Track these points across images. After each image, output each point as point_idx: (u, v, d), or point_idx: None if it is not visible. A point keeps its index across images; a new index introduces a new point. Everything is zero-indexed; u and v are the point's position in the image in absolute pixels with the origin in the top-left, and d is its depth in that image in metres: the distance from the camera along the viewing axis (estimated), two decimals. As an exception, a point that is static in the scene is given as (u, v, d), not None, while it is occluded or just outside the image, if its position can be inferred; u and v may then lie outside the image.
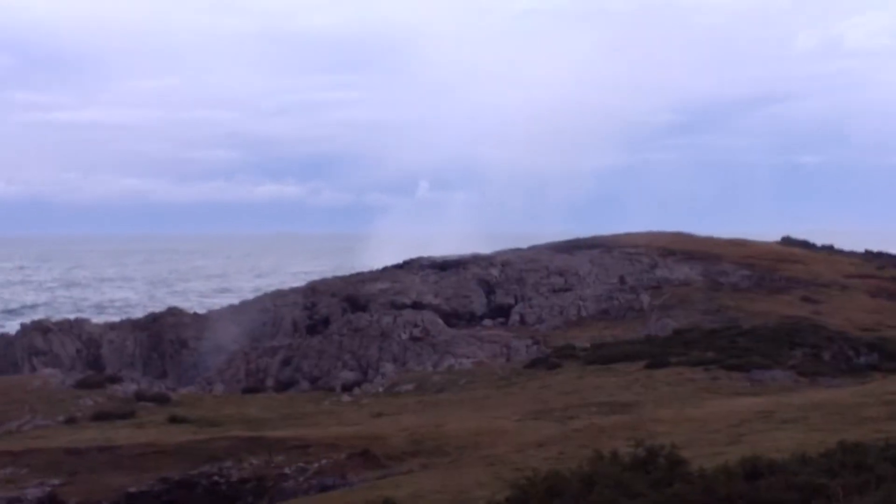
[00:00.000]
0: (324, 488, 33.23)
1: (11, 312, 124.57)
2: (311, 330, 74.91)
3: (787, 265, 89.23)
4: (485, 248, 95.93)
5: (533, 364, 56.95)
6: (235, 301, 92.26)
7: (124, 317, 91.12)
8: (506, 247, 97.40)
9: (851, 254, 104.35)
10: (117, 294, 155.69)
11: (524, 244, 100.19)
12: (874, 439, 20.77)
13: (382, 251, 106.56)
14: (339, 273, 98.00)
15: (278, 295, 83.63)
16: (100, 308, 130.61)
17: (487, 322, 76.28)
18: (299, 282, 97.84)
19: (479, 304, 79.39)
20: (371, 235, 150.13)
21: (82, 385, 52.71)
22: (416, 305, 75.75)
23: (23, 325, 78.19)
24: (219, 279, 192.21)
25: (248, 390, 61.30)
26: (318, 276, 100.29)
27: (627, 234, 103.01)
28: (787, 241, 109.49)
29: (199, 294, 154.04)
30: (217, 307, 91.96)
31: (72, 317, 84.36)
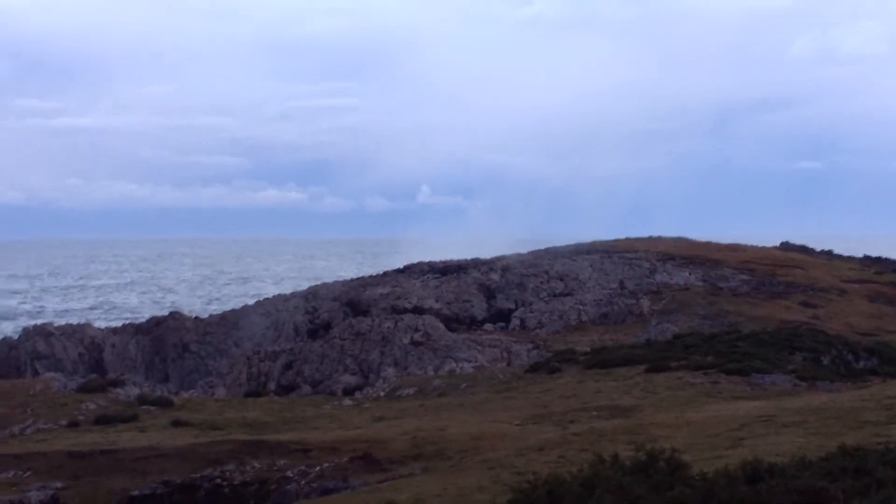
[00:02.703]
0: (325, 492, 33.35)
1: (11, 318, 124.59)
2: (313, 334, 75.08)
3: (787, 270, 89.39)
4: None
5: (533, 368, 57.05)
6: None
7: (126, 321, 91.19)
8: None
9: (850, 259, 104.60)
10: (118, 298, 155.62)
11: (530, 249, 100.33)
12: (874, 443, 20.93)
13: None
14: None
15: (280, 299, 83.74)
16: (101, 312, 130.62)
17: (488, 326, 76.42)
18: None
19: (479, 308, 79.52)
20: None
21: (85, 389, 52.81)
22: (417, 310, 75.87)
23: (25, 330, 78.35)
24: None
25: (250, 394, 61.41)
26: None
27: (627, 239, 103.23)
28: (786, 247, 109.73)
29: (208, 299, 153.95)
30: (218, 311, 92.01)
31: (74, 321, 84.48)
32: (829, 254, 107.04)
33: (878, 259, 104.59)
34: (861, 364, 55.22)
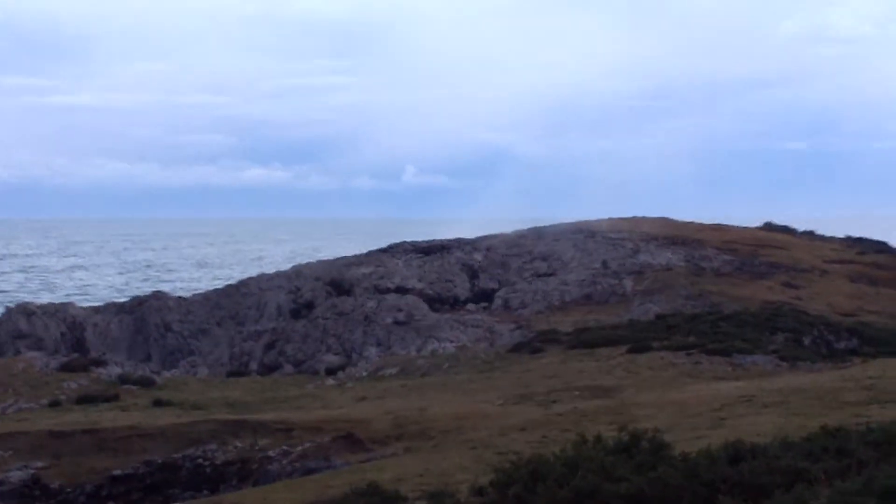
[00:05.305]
0: (308, 471, 33.36)
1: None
2: (296, 314, 74.95)
3: (769, 250, 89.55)
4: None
5: (516, 348, 57.13)
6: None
7: (109, 301, 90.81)
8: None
9: (832, 239, 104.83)
10: (102, 280, 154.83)
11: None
12: (855, 424, 20.99)
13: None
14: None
15: (263, 279, 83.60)
16: (84, 292, 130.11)
17: (471, 306, 76.40)
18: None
19: (462, 288, 79.51)
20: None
21: (66, 368, 52.65)
22: (400, 290, 75.82)
23: (7, 308, 77.98)
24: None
25: (233, 374, 61.36)
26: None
27: (610, 220, 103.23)
28: (769, 227, 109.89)
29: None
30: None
31: (56, 300, 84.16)
32: (811, 234, 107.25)
33: (860, 239, 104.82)
34: (842, 344, 55.45)
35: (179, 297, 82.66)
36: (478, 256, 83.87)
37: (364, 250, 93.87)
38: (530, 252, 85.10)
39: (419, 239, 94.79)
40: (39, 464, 34.93)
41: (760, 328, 55.46)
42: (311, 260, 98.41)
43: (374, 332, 66.23)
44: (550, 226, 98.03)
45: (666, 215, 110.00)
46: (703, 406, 32.82)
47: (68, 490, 33.95)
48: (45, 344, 69.70)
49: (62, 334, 72.59)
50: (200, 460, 35.57)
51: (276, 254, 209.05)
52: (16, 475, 34.14)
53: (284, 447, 35.66)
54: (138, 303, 78.67)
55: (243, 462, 35.29)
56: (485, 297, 78.32)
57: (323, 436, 35.92)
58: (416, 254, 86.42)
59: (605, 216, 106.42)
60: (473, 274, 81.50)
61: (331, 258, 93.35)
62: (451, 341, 63.03)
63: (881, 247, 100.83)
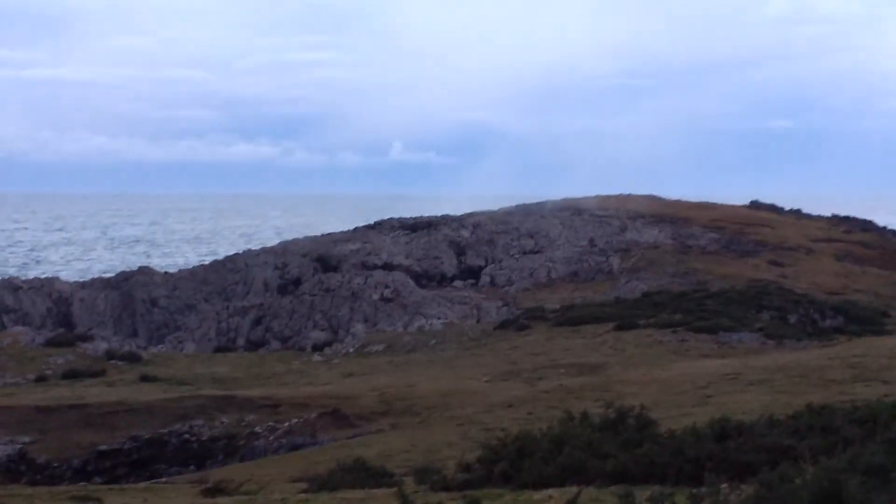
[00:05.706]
0: (294, 447, 33.41)
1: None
2: (283, 290, 74.89)
3: (756, 229, 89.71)
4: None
5: (502, 325, 57.21)
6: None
7: (96, 276, 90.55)
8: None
9: (818, 218, 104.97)
10: (89, 254, 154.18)
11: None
12: (840, 401, 21.08)
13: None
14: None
15: (250, 254, 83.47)
16: (70, 267, 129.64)
17: (458, 283, 76.44)
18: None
19: (449, 265, 79.51)
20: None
21: (53, 343, 52.57)
22: (387, 266, 75.79)
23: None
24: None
25: (220, 349, 61.33)
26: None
27: (598, 197, 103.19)
28: (756, 205, 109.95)
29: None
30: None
31: (42, 275, 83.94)
32: (797, 213, 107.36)
33: (846, 218, 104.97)
34: (827, 322, 55.65)
35: (166, 273, 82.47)
36: (465, 233, 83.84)
37: (351, 226, 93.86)
38: (517, 229, 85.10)
39: (406, 215, 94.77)
40: (26, 438, 34.91)
41: (746, 306, 55.63)
42: (298, 236, 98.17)
43: (361, 308, 66.21)
44: (538, 203, 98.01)
45: (654, 193, 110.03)
46: (689, 383, 32.97)
47: (55, 465, 33.95)
48: (32, 319, 69.56)
49: (48, 309, 72.44)
50: (187, 436, 35.60)
51: (264, 229, 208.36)
52: (2, 450, 34.13)
53: (271, 423, 35.70)
54: (124, 278, 78.48)
55: (230, 438, 35.33)
56: (472, 273, 78.35)
57: (309, 412, 35.96)
58: (403, 230, 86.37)
59: (593, 193, 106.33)
60: (460, 251, 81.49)
61: (318, 234, 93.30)
62: (438, 318, 63.07)
63: (867, 225, 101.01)
